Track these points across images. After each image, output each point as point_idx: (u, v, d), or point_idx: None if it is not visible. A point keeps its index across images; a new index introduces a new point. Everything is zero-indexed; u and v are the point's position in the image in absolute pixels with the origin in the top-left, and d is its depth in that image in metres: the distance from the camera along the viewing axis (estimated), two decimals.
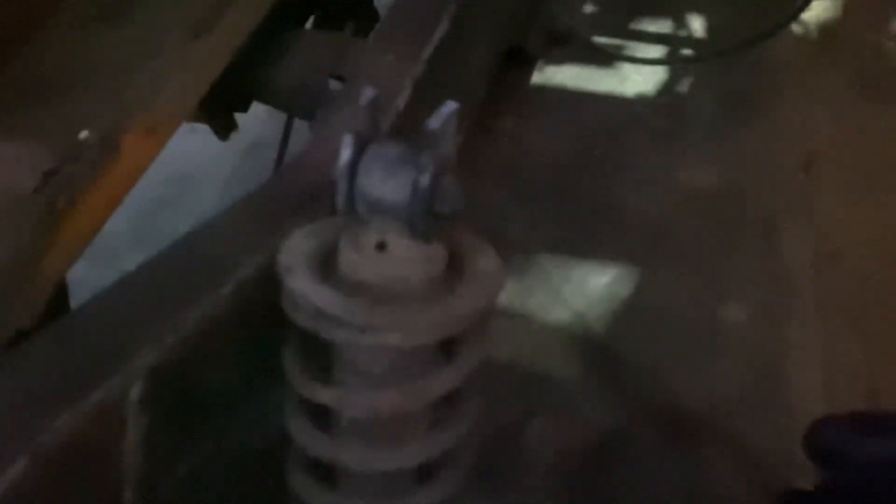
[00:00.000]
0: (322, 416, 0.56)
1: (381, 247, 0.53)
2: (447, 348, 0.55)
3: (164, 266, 0.56)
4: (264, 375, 0.57)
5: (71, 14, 0.77)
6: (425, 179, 0.50)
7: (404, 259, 0.52)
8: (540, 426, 1.18)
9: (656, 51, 1.70)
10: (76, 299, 0.76)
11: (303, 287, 0.51)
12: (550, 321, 1.29)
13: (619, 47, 1.64)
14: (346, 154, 0.51)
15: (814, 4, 1.62)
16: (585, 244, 1.39)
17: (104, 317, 0.52)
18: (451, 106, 0.51)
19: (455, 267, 0.55)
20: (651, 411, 1.18)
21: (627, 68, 1.65)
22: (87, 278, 0.73)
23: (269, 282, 0.54)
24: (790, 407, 1.19)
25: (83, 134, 0.67)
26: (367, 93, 0.52)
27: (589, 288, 1.34)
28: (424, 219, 0.51)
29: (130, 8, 0.78)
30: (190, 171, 1.53)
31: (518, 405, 1.18)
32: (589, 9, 1.76)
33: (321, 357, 0.55)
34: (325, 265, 0.54)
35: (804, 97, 1.63)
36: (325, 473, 0.58)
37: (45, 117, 0.68)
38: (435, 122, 0.49)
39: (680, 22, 1.76)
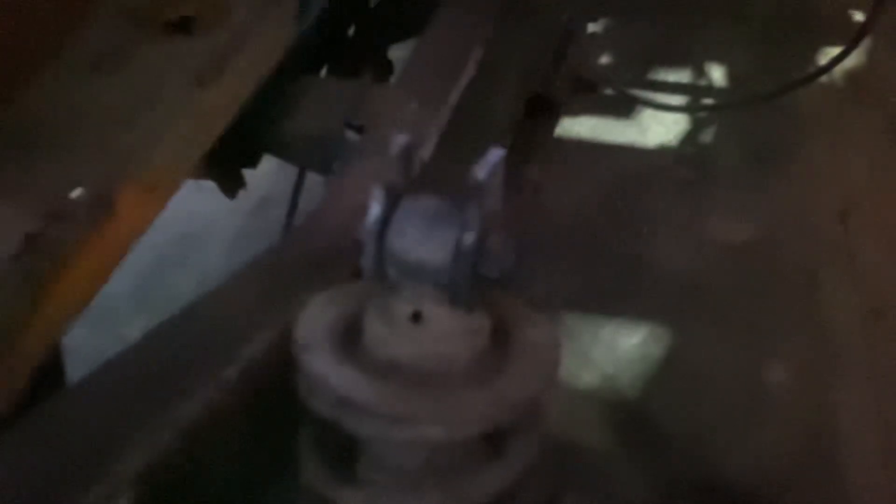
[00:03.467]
0: None
1: (417, 317, 0.44)
2: (494, 440, 0.47)
3: (159, 345, 0.48)
4: (276, 473, 0.48)
5: (65, 61, 0.71)
6: (470, 238, 0.42)
7: (444, 332, 0.44)
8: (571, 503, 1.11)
9: (678, 100, 1.69)
10: (73, 367, 0.70)
11: (323, 368, 0.43)
12: (579, 386, 1.25)
13: (642, 96, 1.61)
14: (375, 209, 0.43)
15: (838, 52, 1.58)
16: (613, 302, 1.38)
17: (88, 409, 0.43)
18: (497, 153, 0.43)
19: (499, 341, 0.47)
20: (693, 486, 1.13)
21: (647, 119, 1.64)
22: (85, 344, 0.69)
23: (282, 361, 0.46)
24: (846, 477, 1.14)
25: (76, 192, 0.60)
26: (399, 140, 0.44)
27: (619, 349, 1.30)
28: (469, 284, 0.43)
29: (129, 56, 0.73)
30: (194, 231, 1.50)
31: (547, 481, 1.11)
32: (608, 58, 1.74)
33: (344, 451, 0.47)
34: (348, 340, 0.46)
35: (835, 146, 1.60)
36: None
37: (33, 173, 0.62)
38: (481, 170, 0.42)
39: (701, 71, 1.74)
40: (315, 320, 0.46)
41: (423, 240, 0.43)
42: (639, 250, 1.42)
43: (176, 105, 0.69)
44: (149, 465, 0.41)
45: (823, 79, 1.62)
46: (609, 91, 1.46)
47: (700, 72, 1.74)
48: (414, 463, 0.45)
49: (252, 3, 0.77)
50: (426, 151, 0.69)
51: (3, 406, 0.51)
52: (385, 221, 0.44)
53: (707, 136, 1.65)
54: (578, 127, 1.62)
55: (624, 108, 1.63)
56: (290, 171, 1.05)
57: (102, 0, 0.75)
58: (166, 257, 1.44)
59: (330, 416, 0.44)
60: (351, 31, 1.05)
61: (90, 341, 0.70)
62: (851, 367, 1.27)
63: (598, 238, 1.43)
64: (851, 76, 1.69)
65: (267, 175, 1.12)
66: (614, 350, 1.29)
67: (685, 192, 1.53)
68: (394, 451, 0.45)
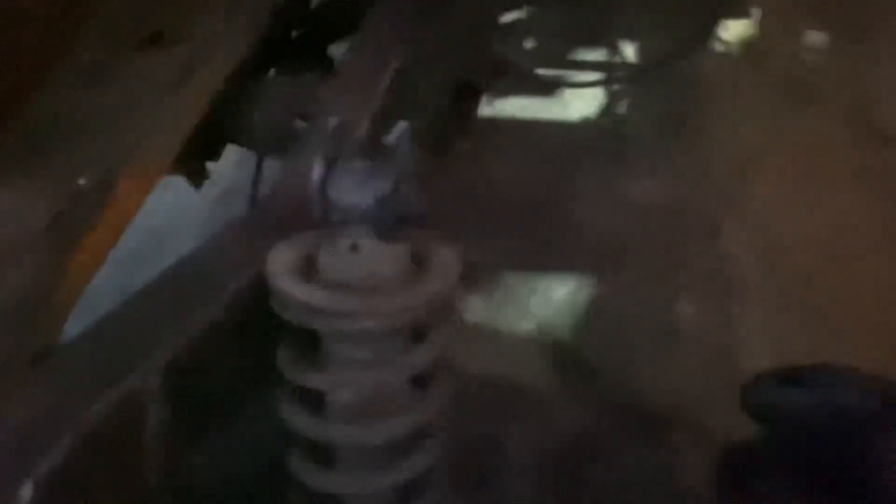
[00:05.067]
0: (314, 402, 0.64)
1: (354, 248, 0.62)
2: (419, 336, 0.64)
3: (167, 283, 0.65)
4: (264, 372, 0.65)
5: (60, 80, 0.85)
6: (386, 187, 0.59)
7: (373, 257, 0.61)
8: (517, 431, 1.25)
9: (594, 77, 1.82)
10: None
11: (289, 286, 0.60)
12: (519, 332, 1.38)
13: (557, 76, 1.75)
14: (317, 172, 0.60)
15: (733, 24, 1.74)
16: (546, 259, 1.48)
17: (122, 324, 0.60)
18: (402, 125, 0.60)
19: (420, 263, 0.64)
20: (621, 410, 1.25)
21: (569, 95, 1.78)
22: (71, 334, 0.75)
23: (261, 290, 0.63)
24: None
25: (82, 180, 0.75)
26: (332, 121, 0.62)
27: (553, 299, 1.43)
28: (388, 221, 0.60)
29: (111, 74, 0.86)
30: (165, 225, 1.59)
31: (495, 414, 1.25)
32: (531, 43, 1.88)
33: (311, 351, 0.63)
34: (306, 269, 0.63)
35: (733, 108, 1.74)
36: (321, 455, 0.65)
37: (48, 166, 0.76)
38: (391, 137, 0.59)
39: (615, 50, 1.90)
40: (282, 257, 0.63)
41: (354, 191, 0.60)
42: (565, 214, 1.53)
43: (155, 108, 0.83)
44: (170, 361, 0.58)
45: (720, 49, 1.79)
46: (524, 75, 1.60)
47: (613, 51, 1.90)
48: (361, 353, 0.62)
49: (214, 19, 0.91)
50: (361, 131, 0.84)
51: (53, 340, 0.67)
52: (326, 181, 0.61)
53: (622, 108, 1.80)
54: (509, 107, 1.76)
55: (547, 87, 1.77)
56: (248, 165, 1.17)
57: (87, 23, 0.89)
58: (142, 249, 1.53)
59: (298, 321, 0.61)
60: (294, 34, 1.17)
61: (77, 328, 0.82)
62: (752, 300, 1.40)
63: (529, 206, 1.53)
64: (744, 45, 1.84)
65: (228, 168, 1.24)
66: (548, 300, 1.42)
67: (605, 161, 1.67)
68: (345, 344, 0.62)
